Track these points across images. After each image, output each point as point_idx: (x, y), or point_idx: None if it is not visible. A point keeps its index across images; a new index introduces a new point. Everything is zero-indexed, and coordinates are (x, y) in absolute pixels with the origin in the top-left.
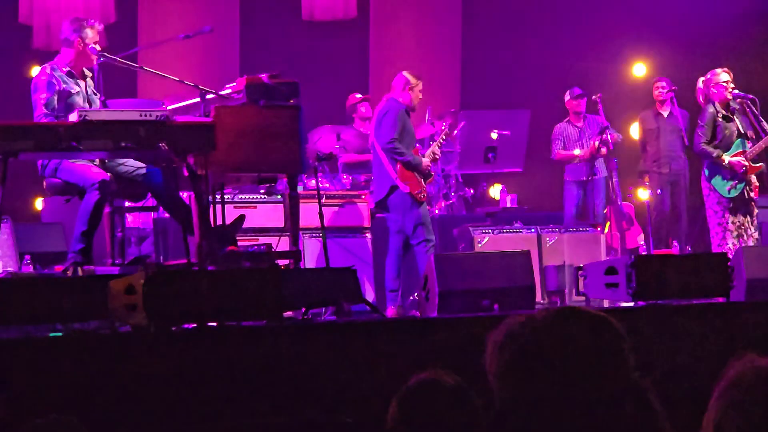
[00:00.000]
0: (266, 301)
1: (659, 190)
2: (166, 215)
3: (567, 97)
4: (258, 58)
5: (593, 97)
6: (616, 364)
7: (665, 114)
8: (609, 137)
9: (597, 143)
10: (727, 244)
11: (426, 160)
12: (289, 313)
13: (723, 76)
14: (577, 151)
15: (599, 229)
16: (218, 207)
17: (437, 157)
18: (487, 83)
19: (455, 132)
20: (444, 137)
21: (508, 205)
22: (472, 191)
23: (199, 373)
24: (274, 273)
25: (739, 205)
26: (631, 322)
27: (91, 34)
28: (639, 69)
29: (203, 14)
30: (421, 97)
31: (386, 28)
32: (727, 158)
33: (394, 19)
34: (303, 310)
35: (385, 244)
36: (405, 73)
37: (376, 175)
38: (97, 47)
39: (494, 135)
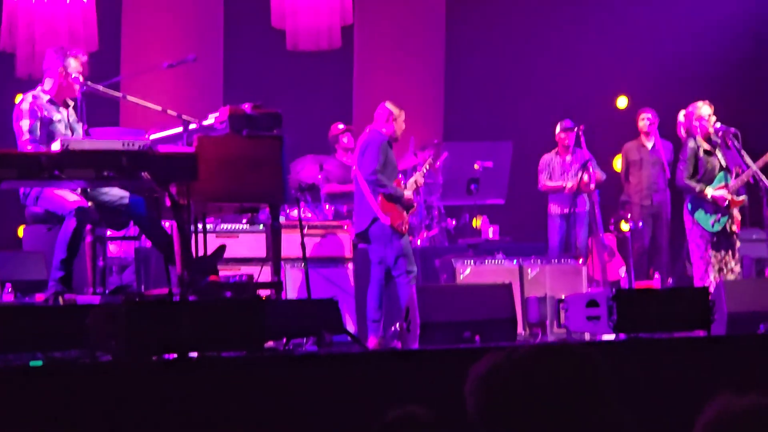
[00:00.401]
0: (247, 332)
1: (641, 223)
2: (148, 244)
3: (557, 129)
4: (241, 88)
5: (576, 129)
6: (599, 401)
7: (649, 146)
8: (590, 171)
9: (586, 177)
10: (709, 277)
11: (408, 192)
12: (270, 344)
13: (705, 109)
14: (569, 184)
15: (581, 260)
16: (200, 236)
17: (419, 185)
18: (470, 115)
19: (438, 163)
20: (427, 168)
21: (491, 236)
22: (454, 222)
23: (179, 403)
24: (256, 304)
25: (722, 240)
26: (612, 355)
27: (74, 64)
28: (622, 101)
29: (187, 43)
30: (403, 127)
31: (370, 58)
32: (710, 192)
33: (377, 49)
34: (284, 340)
35: (366, 274)
36: (387, 104)
37: (358, 206)
38: (81, 77)
39: (476, 166)
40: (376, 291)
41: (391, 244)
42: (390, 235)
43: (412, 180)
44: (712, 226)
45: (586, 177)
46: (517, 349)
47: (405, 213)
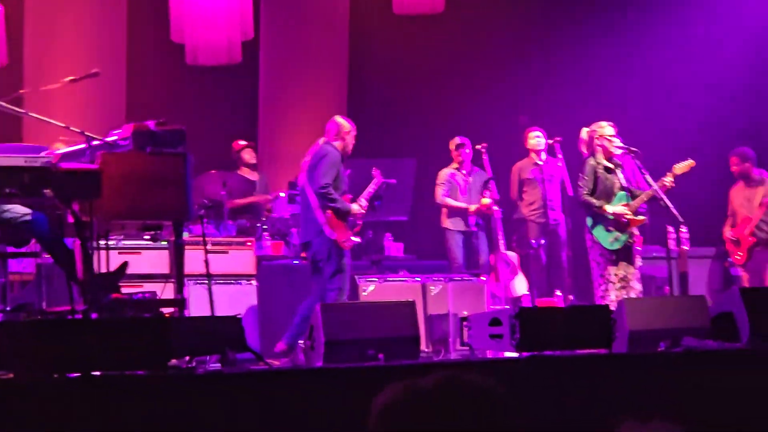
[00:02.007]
0: (150, 350)
1: (542, 240)
2: (51, 261)
3: (451, 147)
4: (145, 103)
5: (477, 147)
6: None
7: (541, 163)
8: (491, 191)
9: (489, 202)
10: (610, 296)
11: (354, 207)
12: (173, 362)
13: (607, 129)
14: (472, 207)
15: (483, 278)
16: (103, 253)
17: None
18: (374, 132)
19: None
20: (375, 188)
21: (394, 253)
22: (358, 239)
23: (81, 422)
24: (159, 322)
25: (622, 257)
26: (514, 373)
27: None
28: (522, 120)
29: (90, 59)
30: (353, 143)
31: (275, 74)
32: (610, 209)
33: (282, 65)
34: (187, 358)
35: (271, 290)
36: (338, 119)
37: (303, 216)
38: None
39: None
40: (310, 305)
41: (332, 259)
42: (333, 250)
43: (361, 198)
44: (612, 244)
45: (487, 200)
46: (417, 381)
47: (350, 231)
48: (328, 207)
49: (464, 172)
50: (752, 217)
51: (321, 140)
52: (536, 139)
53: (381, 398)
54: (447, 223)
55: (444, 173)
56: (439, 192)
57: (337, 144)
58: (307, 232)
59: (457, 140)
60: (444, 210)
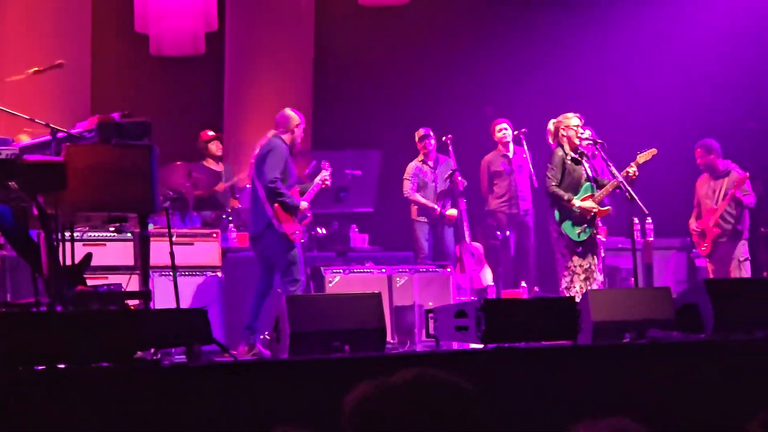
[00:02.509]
0: (116, 342)
1: (508, 231)
2: (15, 254)
3: (416, 138)
4: (110, 94)
5: (443, 138)
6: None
7: (510, 155)
8: (457, 180)
9: (455, 213)
10: (575, 287)
11: (303, 204)
12: (138, 354)
13: (573, 120)
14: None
15: (449, 269)
16: (68, 245)
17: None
18: (339, 123)
19: (306, 171)
20: (323, 181)
21: (360, 244)
22: (323, 230)
23: (46, 415)
24: (124, 315)
25: (587, 249)
26: (480, 365)
27: None
28: (487, 111)
29: (54, 50)
30: (302, 136)
31: (239, 65)
32: (577, 203)
33: (247, 56)
34: (153, 351)
35: (236, 281)
36: (288, 111)
37: (253, 209)
38: None
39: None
40: (260, 298)
41: (283, 251)
42: (283, 243)
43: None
44: (579, 236)
45: (453, 211)
46: (386, 380)
47: (299, 223)
48: (276, 201)
49: (430, 163)
50: (717, 209)
51: (270, 133)
52: (503, 131)
53: (351, 396)
54: (415, 213)
55: (411, 167)
56: (407, 186)
57: (286, 137)
58: (257, 225)
59: (421, 131)
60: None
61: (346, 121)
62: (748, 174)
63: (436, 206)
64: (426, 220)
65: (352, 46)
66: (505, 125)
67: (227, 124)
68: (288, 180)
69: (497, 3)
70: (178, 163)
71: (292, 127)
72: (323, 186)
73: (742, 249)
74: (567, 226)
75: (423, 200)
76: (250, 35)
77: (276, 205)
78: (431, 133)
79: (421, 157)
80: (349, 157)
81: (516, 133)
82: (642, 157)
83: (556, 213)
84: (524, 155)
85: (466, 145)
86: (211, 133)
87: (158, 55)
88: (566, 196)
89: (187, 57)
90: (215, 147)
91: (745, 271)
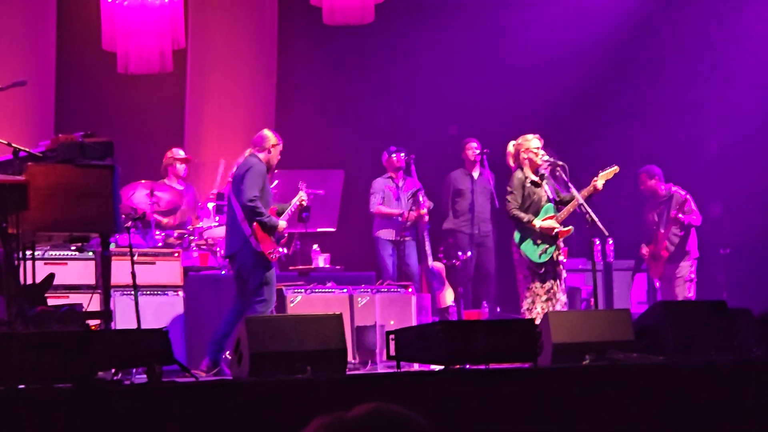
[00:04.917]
0: (76, 363)
1: (469, 252)
2: None
3: (386, 155)
4: (74, 112)
5: (405, 157)
6: None
7: (475, 175)
8: (420, 200)
9: (423, 211)
10: (536, 308)
11: (282, 223)
12: (99, 374)
13: (534, 142)
14: (409, 213)
15: (411, 289)
16: (29, 264)
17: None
18: (302, 142)
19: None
20: (300, 201)
21: (322, 264)
22: (285, 250)
23: None
24: (85, 335)
25: (549, 270)
26: (440, 386)
27: None
28: (452, 129)
29: (17, 67)
30: (279, 158)
31: (202, 83)
32: (538, 223)
33: (209, 75)
34: (113, 371)
35: (198, 300)
36: (266, 132)
37: (229, 228)
38: None
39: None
40: (232, 318)
41: (258, 270)
42: (259, 262)
43: (285, 213)
44: (539, 257)
45: (423, 210)
46: (343, 415)
47: (276, 243)
48: (254, 221)
49: (400, 183)
50: (664, 232)
51: (247, 151)
52: (472, 150)
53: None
54: (380, 232)
55: (377, 183)
56: (373, 201)
57: (262, 156)
58: (233, 244)
59: (392, 148)
60: (376, 220)
61: (309, 140)
62: (689, 196)
63: (402, 211)
64: (389, 238)
65: (315, 65)
66: (475, 144)
67: (188, 143)
68: (266, 198)
69: (462, 22)
70: (141, 182)
71: (268, 146)
72: (300, 205)
73: (688, 270)
74: (528, 248)
75: (388, 210)
76: (213, 53)
77: (255, 224)
78: (402, 149)
79: (388, 174)
80: (311, 176)
81: (478, 152)
82: (604, 176)
83: (517, 236)
84: (486, 176)
85: (429, 165)
86: (182, 153)
87: (126, 73)
88: (526, 218)
89: (154, 75)
90: (182, 168)
91: (689, 291)
